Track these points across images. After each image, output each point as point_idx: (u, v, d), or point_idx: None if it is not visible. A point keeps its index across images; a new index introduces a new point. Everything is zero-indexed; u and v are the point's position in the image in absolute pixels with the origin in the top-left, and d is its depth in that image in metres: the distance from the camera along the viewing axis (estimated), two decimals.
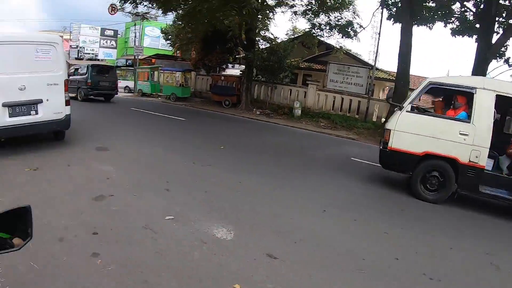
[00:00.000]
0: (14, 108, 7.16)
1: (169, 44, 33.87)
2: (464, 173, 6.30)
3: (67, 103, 7.95)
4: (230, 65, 27.41)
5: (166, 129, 11.84)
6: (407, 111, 6.73)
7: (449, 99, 6.95)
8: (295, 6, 19.62)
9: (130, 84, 28.56)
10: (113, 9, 28.23)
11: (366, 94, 17.46)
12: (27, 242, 1.41)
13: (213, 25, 18.97)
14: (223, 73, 25.09)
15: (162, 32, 36.70)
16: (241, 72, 22.39)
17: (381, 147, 7.08)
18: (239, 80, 20.65)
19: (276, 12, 19.40)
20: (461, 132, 6.26)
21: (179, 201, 5.21)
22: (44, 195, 5.16)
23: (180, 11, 20.70)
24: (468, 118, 6.31)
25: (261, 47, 21.02)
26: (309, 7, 18.96)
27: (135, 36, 39.56)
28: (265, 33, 19.99)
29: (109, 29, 51.65)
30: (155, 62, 32.01)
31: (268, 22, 20.10)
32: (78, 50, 47.70)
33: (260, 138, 11.88)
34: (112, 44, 52.81)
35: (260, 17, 18.06)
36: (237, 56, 24.69)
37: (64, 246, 3.72)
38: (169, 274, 3.36)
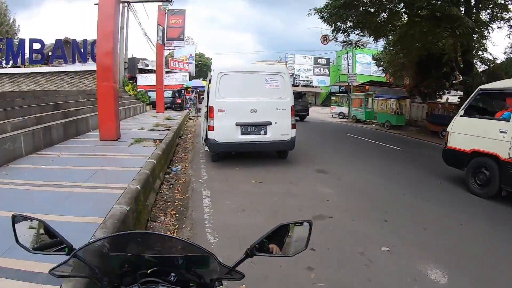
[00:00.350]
0: (246, 127, 8.66)
1: (381, 71, 33.74)
2: (505, 169, 6.56)
3: (293, 126, 8.91)
4: (446, 92, 25.08)
5: (382, 157, 11.70)
6: (460, 116, 7.80)
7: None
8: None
9: (345, 110, 29.67)
10: (325, 39, 30.40)
11: None
12: (300, 251, 1.43)
13: (426, 49, 18.09)
14: (439, 100, 23.26)
15: (373, 58, 37.03)
16: (459, 99, 20.31)
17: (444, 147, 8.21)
18: (458, 108, 19.06)
19: (492, 29, 17.02)
20: (501, 130, 6.68)
21: (396, 234, 5.10)
22: (268, 206, 5.96)
23: (391, 37, 20.62)
24: (509, 118, 6.63)
25: (479, 70, 18.82)
26: None
27: (347, 64, 40.84)
28: (483, 53, 17.76)
29: (321, 58, 55.41)
30: (368, 89, 32.22)
31: (485, 42, 17.72)
32: (293, 77, 51.58)
33: None
34: (325, 72, 56.33)
35: (476, 36, 16.40)
36: (453, 82, 22.63)
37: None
38: None
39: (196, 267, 1.40)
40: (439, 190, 7.82)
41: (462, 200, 7.08)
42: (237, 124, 8.61)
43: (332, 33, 20.17)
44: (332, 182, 7.84)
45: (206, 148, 9.15)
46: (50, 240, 1.37)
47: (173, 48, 36.57)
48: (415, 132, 20.25)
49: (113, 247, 1.38)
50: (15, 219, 1.35)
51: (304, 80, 54.80)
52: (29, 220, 1.38)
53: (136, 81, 31.10)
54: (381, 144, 14.53)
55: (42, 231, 1.37)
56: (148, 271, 1.33)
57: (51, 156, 7.88)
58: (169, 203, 6.19)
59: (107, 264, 1.37)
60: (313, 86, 55.71)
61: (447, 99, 23.05)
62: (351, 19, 18.03)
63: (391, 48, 23.78)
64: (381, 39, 21.48)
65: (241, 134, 8.67)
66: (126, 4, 20.78)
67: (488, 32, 17.00)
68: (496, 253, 4.67)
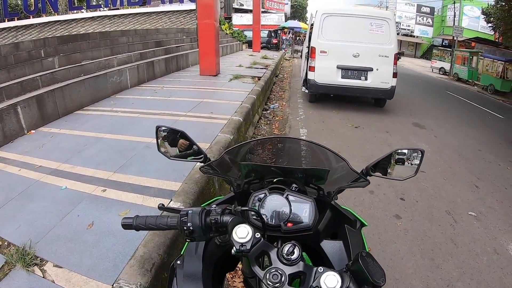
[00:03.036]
0: (347, 71, 8.60)
1: (491, 28, 30.32)
2: None
3: (395, 75, 8.67)
4: None
5: (481, 123, 10.79)
6: None
7: None
8: None
9: (446, 66, 27.43)
10: None
11: None
12: (410, 177, 1.45)
13: None
14: None
15: (482, 13, 33.59)
16: None
17: None
18: None
19: None
20: None
21: (485, 202, 4.98)
22: (363, 151, 6.13)
23: None
24: None
25: None
26: None
27: (454, 15, 37.42)
28: None
29: (426, 6, 50.09)
30: (474, 46, 29.16)
31: None
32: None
33: None
34: (429, 22, 51.12)
35: None
36: None
37: (373, 199, 4.42)
38: (454, 263, 3.46)
39: (314, 180, 1.50)
40: None
41: None
42: (338, 67, 8.57)
43: None
44: (427, 138, 7.71)
45: (305, 89, 9.08)
46: (188, 150, 1.48)
47: None
48: None
49: (243, 156, 1.58)
50: (158, 129, 1.47)
51: (405, 29, 50.73)
52: (170, 131, 1.48)
53: (231, 20, 31.33)
54: (482, 109, 13.36)
55: (182, 141, 1.47)
56: (274, 180, 1.47)
57: (155, 87, 8.35)
58: None
59: (238, 172, 1.53)
60: (414, 36, 51.58)
61: None
62: None
63: (503, 4, 21.23)
64: None
65: (342, 78, 8.64)
66: None
67: None
68: None
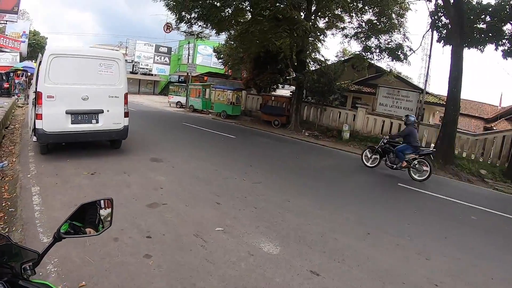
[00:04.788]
0: (77, 116, 7.95)
1: (221, 63, 34.96)
2: None
3: (126, 115, 8.59)
4: (280, 86, 27.55)
5: (216, 145, 12.22)
6: None
7: None
8: (345, 28, 19.75)
9: (182, 99, 29.63)
10: (168, 27, 29.87)
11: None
12: (106, 229, 1.60)
13: (265, 46, 19.60)
14: (273, 93, 25.50)
15: (214, 50, 38.16)
16: (291, 93, 22.71)
17: None
18: (289, 101, 20.97)
19: (326, 35, 19.55)
20: None
21: (229, 215, 5.48)
22: (100, 197, 5.54)
23: (233, 32, 21.52)
24: None
25: (311, 69, 21.03)
26: (359, 29, 18.99)
27: (188, 54, 40.88)
28: (315, 55, 20.09)
29: (163, 46, 54.04)
30: (207, 79, 33.21)
31: (319, 45, 20.22)
32: (133, 64, 49.71)
33: (307, 160, 11.92)
34: (166, 61, 55.13)
35: (311, 39, 18.24)
36: (287, 77, 25.01)
37: (119, 246, 4.11)
38: (216, 280, 3.63)
39: (6, 258, 1.33)
40: (267, 173, 8.73)
41: (287, 180, 8.03)
42: (67, 112, 7.83)
43: (175, 22, 20.04)
44: (165, 170, 7.93)
45: (35, 139, 7.90)
46: None
47: (5, 22, 31.05)
48: (250, 122, 21.79)
49: None
50: None
51: (143, 68, 52.83)
52: None
53: None
54: (217, 133, 15.15)
55: None
56: None
57: None
58: None
59: None
60: (152, 75, 54.17)
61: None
62: (196, 10, 18.11)
63: (232, 42, 24.91)
64: (223, 32, 22.26)
65: (72, 123, 7.93)
66: None
67: (324, 37, 19.43)
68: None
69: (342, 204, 6.96)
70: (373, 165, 11.04)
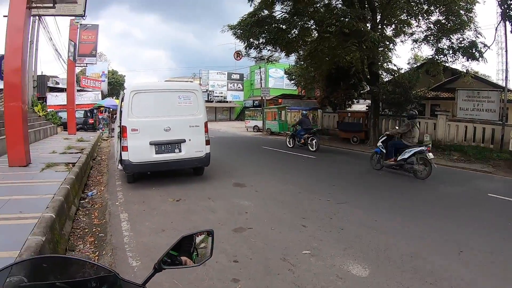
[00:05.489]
0: (160, 146, 8.62)
1: (294, 84, 35.16)
2: None
3: (207, 142, 9.08)
4: (355, 101, 26.87)
5: (298, 166, 12.29)
6: None
7: None
8: (414, 33, 19.10)
9: (259, 123, 30.52)
10: (238, 55, 31.19)
11: (499, 120, 15.47)
12: (206, 260, 1.59)
13: (335, 63, 19.64)
14: (349, 109, 25.01)
15: (285, 72, 38.75)
16: (367, 108, 22.23)
17: None
18: (366, 116, 20.49)
19: (396, 43, 18.94)
20: None
21: (315, 237, 5.41)
22: (187, 223, 6.00)
23: (302, 52, 21.75)
24: None
25: (385, 80, 20.49)
26: (429, 32, 18.15)
27: (260, 78, 41.96)
28: (387, 65, 19.48)
29: (235, 73, 56.66)
30: (281, 102, 33.71)
31: (390, 54, 19.58)
32: (208, 93, 52.24)
33: (392, 175, 11.17)
34: (239, 87, 57.54)
35: (381, 49, 17.81)
36: (361, 92, 24.50)
37: (206, 270, 4.15)
38: None
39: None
40: (352, 192, 8.59)
41: (373, 198, 7.95)
42: (151, 143, 8.52)
43: (245, 49, 20.94)
44: (249, 194, 8.07)
45: (120, 167, 8.83)
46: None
47: (85, 65, 34.61)
48: (328, 140, 21.42)
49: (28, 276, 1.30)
50: None
51: (218, 96, 55.41)
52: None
53: (46, 101, 29.00)
54: (296, 154, 15.23)
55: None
56: None
57: None
58: (86, 230, 5.88)
59: None
60: (227, 102, 56.56)
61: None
62: (263, 35, 18.82)
63: (302, 63, 25.03)
64: (292, 54, 22.71)
65: (156, 153, 8.59)
66: (37, 17, 19.31)
67: (393, 45, 18.77)
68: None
69: (430, 220, 6.55)
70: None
